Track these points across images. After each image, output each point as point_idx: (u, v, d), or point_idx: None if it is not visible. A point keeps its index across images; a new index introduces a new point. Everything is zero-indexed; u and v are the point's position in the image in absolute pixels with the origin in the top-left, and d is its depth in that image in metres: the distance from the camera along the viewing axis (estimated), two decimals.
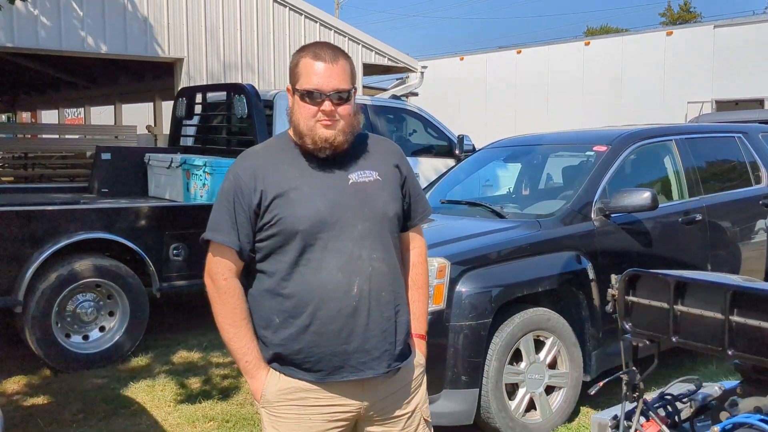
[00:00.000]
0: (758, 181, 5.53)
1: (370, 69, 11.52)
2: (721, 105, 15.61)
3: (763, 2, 62.89)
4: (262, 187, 2.01)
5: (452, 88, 19.54)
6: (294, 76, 2.04)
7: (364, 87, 11.30)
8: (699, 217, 4.88)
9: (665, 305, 2.46)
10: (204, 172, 6.05)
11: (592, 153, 4.81)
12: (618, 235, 4.47)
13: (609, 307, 2.71)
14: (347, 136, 2.04)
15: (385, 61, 11.07)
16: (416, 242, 2.28)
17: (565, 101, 17.67)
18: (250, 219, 2.02)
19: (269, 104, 6.62)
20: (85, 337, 5.33)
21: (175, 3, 9.87)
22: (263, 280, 2.06)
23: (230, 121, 7.07)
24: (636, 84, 16.79)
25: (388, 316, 2.07)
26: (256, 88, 6.57)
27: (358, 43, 10.88)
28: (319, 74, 1.99)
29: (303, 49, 2.07)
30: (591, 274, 4.22)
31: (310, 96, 1.98)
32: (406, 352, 2.15)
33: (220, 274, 2.04)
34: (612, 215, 4.41)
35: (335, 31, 10.62)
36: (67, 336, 5.26)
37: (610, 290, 2.68)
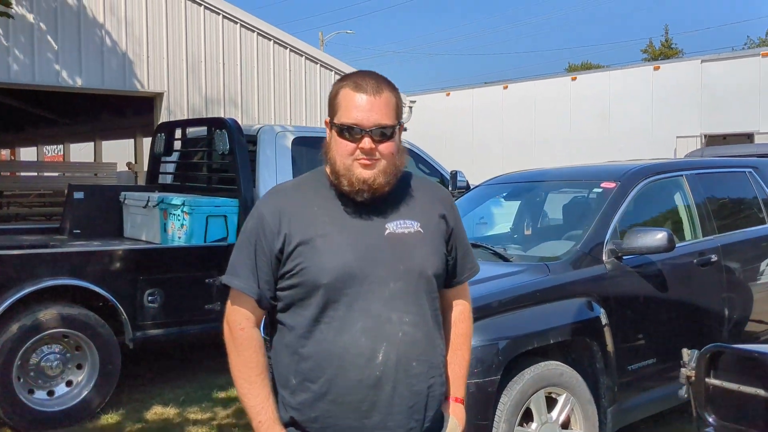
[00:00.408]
0: None
1: None
2: (711, 139, 15.50)
3: (742, 38, 63.95)
4: (287, 230, 1.82)
5: (439, 124, 19.34)
6: (332, 107, 1.86)
7: None
8: (714, 258, 4.56)
9: (762, 392, 1.99)
10: (182, 211, 5.67)
11: (600, 190, 4.49)
12: (631, 279, 4.12)
13: (683, 392, 2.28)
14: (389, 177, 1.82)
15: None
16: (460, 300, 2.05)
17: (552, 136, 17.51)
18: (272, 264, 1.84)
19: (252, 139, 6.27)
20: (50, 393, 4.88)
21: (155, 36, 9.55)
22: (284, 334, 1.87)
23: (211, 157, 6.71)
24: (624, 119, 16.67)
25: (418, 390, 1.82)
26: (239, 122, 6.23)
27: (331, 70, 10.58)
28: (360, 107, 1.79)
29: (344, 79, 1.89)
30: (604, 322, 3.87)
31: (349, 131, 1.79)
32: (436, 427, 1.90)
33: (237, 323, 1.86)
34: (624, 257, 4.08)
35: (321, 65, 10.33)
36: (30, 392, 4.81)
37: (683, 370, 2.26)
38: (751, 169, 5.32)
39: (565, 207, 4.86)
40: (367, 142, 1.78)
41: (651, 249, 4.00)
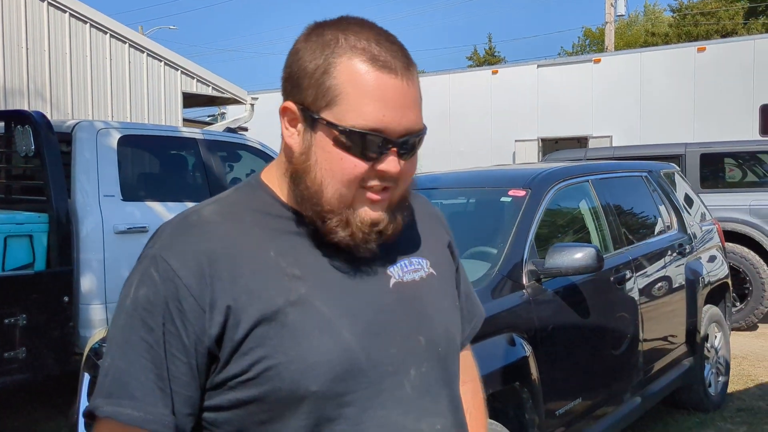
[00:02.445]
0: (670, 226, 4.85)
1: (190, 100, 9.97)
2: (545, 143, 15.83)
3: (556, 48, 68.50)
4: (229, 299, 1.04)
5: (276, 125, 18.31)
6: (320, 90, 1.06)
7: (189, 121, 9.73)
8: (629, 274, 4.04)
9: None
10: None
11: (508, 199, 3.79)
12: (554, 305, 3.47)
13: None
14: (404, 212, 1.15)
15: (209, 91, 9.58)
16: (468, 372, 1.37)
17: None
18: (197, 369, 1.05)
19: (66, 138, 4.99)
20: None
21: None
22: None
23: (10, 160, 5.32)
24: (464, 121, 16.65)
25: None
26: (48, 117, 4.94)
27: (177, 69, 9.30)
28: (389, 101, 1.05)
29: (334, 33, 1.08)
30: (533, 363, 3.16)
31: (367, 143, 1.05)
32: None
33: None
34: (544, 280, 3.42)
35: (149, 54, 8.97)
36: None
37: None
38: (646, 173, 4.93)
39: (466, 219, 4.12)
40: (392, 162, 1.07)
41: (578, 269, 3.36)
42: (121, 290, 1.10)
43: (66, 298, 4.59)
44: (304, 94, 1.06)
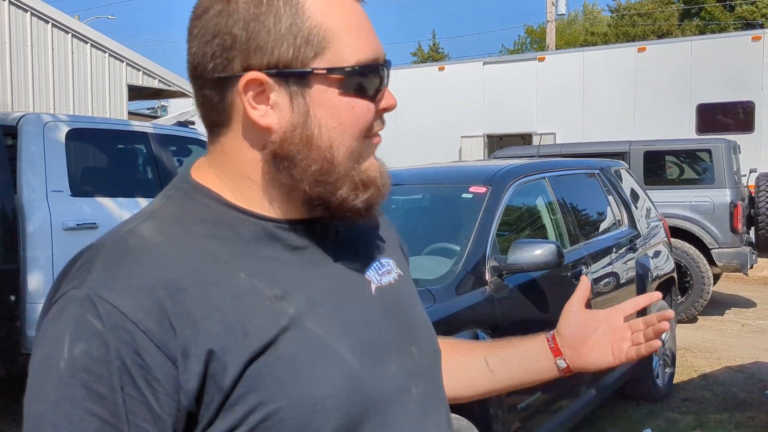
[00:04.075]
0: (621, 222, 4.98)
1: (136, 93, 9.73)
2: (491, 140, 16.05)
3: (497, 46, 69.34)
4: (207, 340, 0.78)
5: None
6: (295, 39, 0.84)
7: (129, 113, 9.47)
8: (584, 269, 4.13)
9: None
10: None
11: (469, 195, 3.82)
12: (516, 301, 3.52)
13: None
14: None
15: (155, 84, 9.36)
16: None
17: None
18: None
19: (11, 131, 4.81)
20: None
21: None
22: None
23: None
24: (410, 117, 16.70)
25: None
26: None
27: (122, 61, 9.05)
28: (367, 27, 0.90)
29: None
30: None
31: (375, 78, 0.89)
32: None
33: None
34: (505, 275, 3.47)
35: (92, 45, 8.69)
36: None
37: None
38: (598, 170, 5.04)
39: (426, 215, 4.14)
40: (390, 96, 0.91)
41: (540, 265, 3.42)
42: (34, 349, 0.80)
43: (12, 297, 4.43)
44: (275, 54, 0.83)
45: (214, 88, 0.86)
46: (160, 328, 0.76)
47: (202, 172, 0.91)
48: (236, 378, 0.78)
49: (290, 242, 0.89)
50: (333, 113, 0.85)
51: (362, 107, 0.87)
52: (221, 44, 0.84)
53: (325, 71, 0.84)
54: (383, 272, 0.99)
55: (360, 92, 0.87)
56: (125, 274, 0.78)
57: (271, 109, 0.85)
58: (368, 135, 0.89)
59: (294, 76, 0.84)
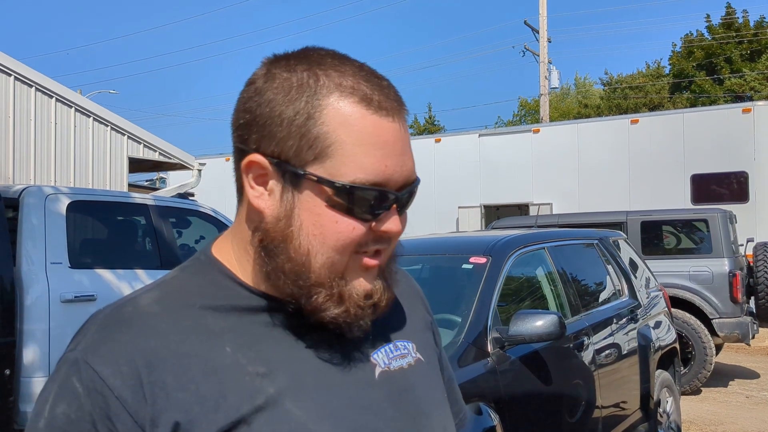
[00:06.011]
0: (621, 292, 4.97)
1: (136, 165, 9.83)
2: (488, 210, 16.14)
3: (494, 118, 70.61)
4: (177, 412, 0.80)
5: (218, 189, 18.18)
6: (302, 139, 0.85)
7: (129, 185, 9.55)
8: (586, 341, 4.09)
9: None
10: None
11: (470, 266, 3.83)
12: (519, 373, 3.48)
13: None
14: (395, 280, 0.94)
15: (156, 156, 9.47)
16: None
17: None
18: None
19: (13, 204, 4.84)
20: None
21: None
22: None
23: None
24: None
25: None
26: None
27: (123, 134, 9.18)
28: (389, 148, 0.86)
29: (318, 65, 0.87)
30: None
31: (369, 201, 0.85)
32: None
33: None
34: (507, 347, 3.44)
35: (95, 119, 8.85)
36: None
37: None
38: (597, 240, 5.06)
39: (427, 286, 4.12)
40: (395, 221, 0.88)
41: (542, 336, 3.39)
42: (34, 406, 0.86)
43: (7, 371, 4.36)
44: (281, 145, 0.84)
45: (236, 155, 0.90)
46: (134, 396, 0.79)
47: (221, 246, 0.95)
48: None
49: (284, 320, 0.89)
50: (316, 221, 0.85)
51: (346, 224, 0.85)
52: (245, 118, 0.87)
53: (316, 179, 0.84)
54: (395, 356, 0.96)
55: (347, 211, 0.85)
56: (111, 342, 0.83)
57: (267, 195, 0.87)
58: (358, 252, 0.87)
59: (290, 172, 0.85)
